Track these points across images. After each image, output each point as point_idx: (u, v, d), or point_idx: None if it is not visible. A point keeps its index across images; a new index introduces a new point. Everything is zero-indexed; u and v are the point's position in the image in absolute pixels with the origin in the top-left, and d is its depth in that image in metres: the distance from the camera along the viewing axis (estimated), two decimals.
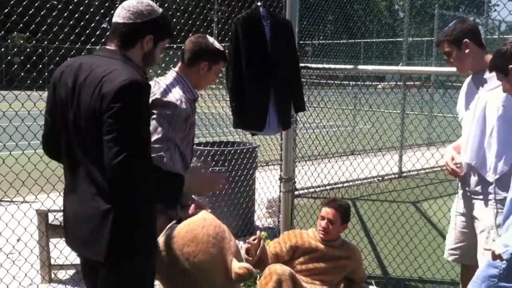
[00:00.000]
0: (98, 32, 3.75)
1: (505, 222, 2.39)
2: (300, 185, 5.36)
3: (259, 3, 3.71)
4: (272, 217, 5.80)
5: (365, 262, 4.19)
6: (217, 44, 2.80)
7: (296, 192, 5.01)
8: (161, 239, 2.43)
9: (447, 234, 3.33)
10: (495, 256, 2.28)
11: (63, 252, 4.13)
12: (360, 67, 3.98)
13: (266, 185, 5.71)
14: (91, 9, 3.84)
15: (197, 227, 2.44)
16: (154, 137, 2.48)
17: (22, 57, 4.54)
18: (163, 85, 2.67)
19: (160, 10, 2.18)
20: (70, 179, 2.12)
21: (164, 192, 2.05)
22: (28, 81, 4.02)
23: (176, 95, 2.63)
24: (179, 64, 2.81)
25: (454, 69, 3.08)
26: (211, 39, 2.79)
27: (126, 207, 1.98)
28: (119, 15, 2.13)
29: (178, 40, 4.09)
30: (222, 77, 4.26)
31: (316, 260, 3.45)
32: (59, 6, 3.87)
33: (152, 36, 2.14)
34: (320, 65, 4.19)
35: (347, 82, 12.44)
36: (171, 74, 2.77)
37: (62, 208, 2.21)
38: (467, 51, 2.88)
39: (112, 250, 2.01)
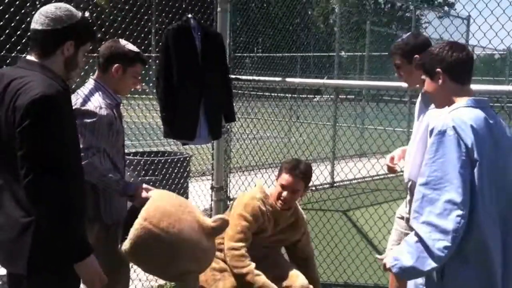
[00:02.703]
0: (13, 40, 3.59)
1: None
2: (232, 194, 5.38)
3: (189, 15, 3.74)
4: None
5: None
6: (130, 46, 2.75)
7: (230, 202, 5.02)
8: (132, 229, 2.40)
9: (390, 236, 3.39)
10: (386, 269, 2.24)
11: None
12: (287, 79, 4.12)
13: (198, 194, 5.70)
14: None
15: (160, 202, 2.51)
16: None
17: None
18: (82, 94, 2.64)
19: (79, 14, 2.14)
20: None
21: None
22: None
23: (95, 103, 2.59)
24: (97, 72, 2.78)
25: (381, 83, 3.16)
26: (123, 42, 2.76)
27: (47, 220, 1.93)
28: (37, 22, 2.08)
29: None
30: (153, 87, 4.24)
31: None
32: None
33: (73, 42, 2.10)
34: (250, 77, 4.29)
35: (285, 95, 12.66)
36: (90, 83, 2.73)
37: None
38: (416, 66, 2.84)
39: (34, 263, 1.97)
